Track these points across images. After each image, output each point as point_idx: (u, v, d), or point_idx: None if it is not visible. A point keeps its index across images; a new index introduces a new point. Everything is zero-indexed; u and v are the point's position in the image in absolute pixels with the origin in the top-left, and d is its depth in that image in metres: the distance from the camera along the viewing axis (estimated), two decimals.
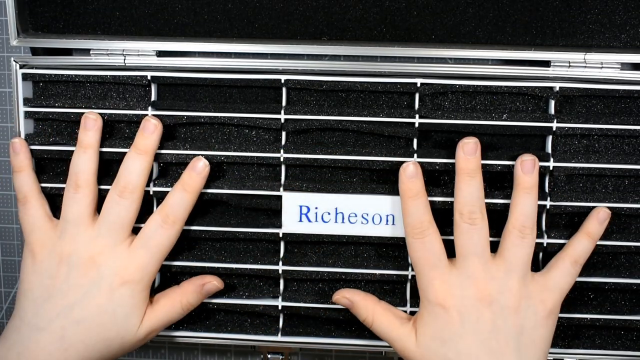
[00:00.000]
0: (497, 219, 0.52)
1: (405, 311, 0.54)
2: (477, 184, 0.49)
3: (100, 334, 0.49)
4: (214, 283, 0.53)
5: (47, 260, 0.50)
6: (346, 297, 0.52)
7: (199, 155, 0.53)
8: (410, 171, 0.50)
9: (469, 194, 0.49)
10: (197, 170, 0.52)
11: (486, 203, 0.53)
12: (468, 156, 0.49)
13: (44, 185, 0.54)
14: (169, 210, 0.51)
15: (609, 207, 0.52)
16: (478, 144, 0.49)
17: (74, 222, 0.51)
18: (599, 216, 0.51)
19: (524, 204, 0.49)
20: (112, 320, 0.49)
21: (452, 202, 0.53)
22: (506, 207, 0.52)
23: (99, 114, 0.54)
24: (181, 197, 0.51)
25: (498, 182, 0.54)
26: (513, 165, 0.52)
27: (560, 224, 0.54)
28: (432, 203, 0.53)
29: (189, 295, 0.52)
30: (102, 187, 0.53)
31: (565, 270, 0.50)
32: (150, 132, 0.52)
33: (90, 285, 0.49)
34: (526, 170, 0.49)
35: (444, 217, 0.54)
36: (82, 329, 0.49)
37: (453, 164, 0.53)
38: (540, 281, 0.49)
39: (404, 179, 0.50)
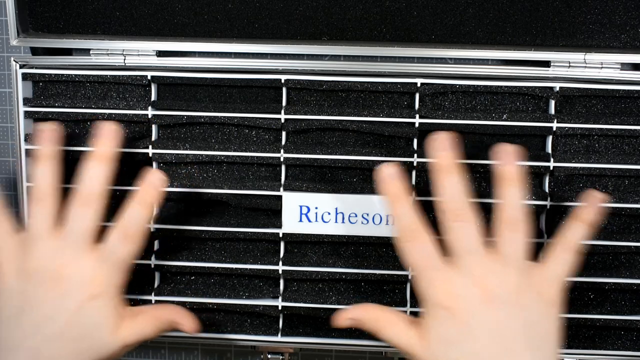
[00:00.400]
0: None
1: (405, 311, 0.54)
2: (456, 179, 0.47)
3: (74, 349, 0.48)
4: (188, 326, 0.51)
5: (14, 278, 0.49)
6: (348, 318, 0.50)
7: (194, 154, 0.53)
8: (388, 174, 0.48)
9: (450, 190, 0.47)
10: (153, 184, 0.50)
11: (488, 203, 0.53)
12: (442, 152, 0.48)
13: None
14: (127, 225, 0.50)
15: (608, 207, 0.52)
16: (450, 138, 0.48)
17: (38, 235, 0.49)
18: (592, 201, 0.49)
19: (509, 196, 0.47)
20: (84, 334, 0.48)
21: None
22: None
23: (99, 114, 0.54)
24: (138, 212, 0.50)
25: None
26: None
27: (560, 224, 0.54)
28: (432, 204, 0.53)
29: (162, 321, 0.51)
30: (108, 187, 0.54)
31: (561, 259, 0.48)
32: (106, 138, 0.51)
33: (59, 299, 0.48)
34: (504, 161, 0.48)
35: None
36: (55, 345, 0.47)
37: None
38: (539, 272, 0.48)
39: (384, 184, 0.48)
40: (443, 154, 0.47)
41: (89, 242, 0.50)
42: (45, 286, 0.48)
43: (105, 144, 0.51)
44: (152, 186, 0.50)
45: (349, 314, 0.50)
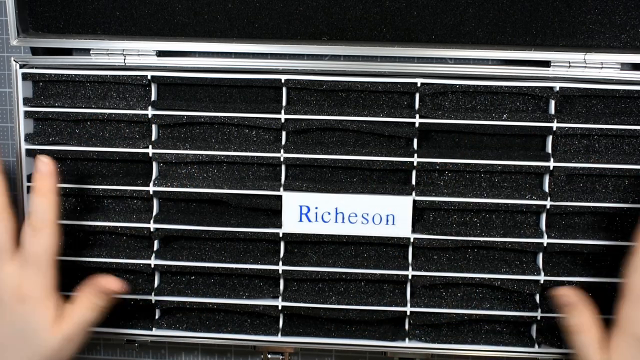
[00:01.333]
0: (505, 218, 0.52)
1: (405, 312, 0.54)
2: None
3: (18, 356, 0.49)
4: (109, 284, 0.51)
5: None
6: (568, 296, 0.50)
7: (194, 154, 0.53)
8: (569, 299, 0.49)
9: None
10: (41, 171, 0.50)
11: (489, 203, 0.53)
12: None
13: None
14: (33, 219, 0.50)
15: (608, 207, 0.52)
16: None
17: None
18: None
19: None
20: (24, 340, 0.49)
21: (451, 202, 0.53)
22: (509, 207, 0.52)
23: (99, 114, 0.54)
24: (40, 202, 0.50)
25: (499, 182, 0.54)
26: (515, 168, 0.52)
27: (560, 224, 0.54)
28: (433, 203, 0.53)
29: (92, 297, 0.51)
30: (108, 187, 0.54)
31: None
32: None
33: None
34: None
35: (443, 218, 0.55)
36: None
37: (453, 164, 0.53)
38: None
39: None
40: None
41: (9, 252, 0.50)
42: None
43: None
44: (41, 173, 0.50)
45: (572, 296, 0.50)
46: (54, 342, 0.50)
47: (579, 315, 0.49)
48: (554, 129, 0.52)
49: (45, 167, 0.50)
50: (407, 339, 0.55)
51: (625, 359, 0.47)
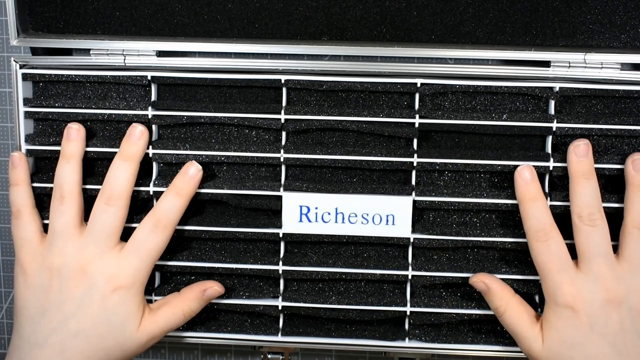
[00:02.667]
0: (505, 218, 0.52)
1: (405, 312, 0.54)
2: (593, 185, 0.49)
3: (99, 344, 0.49)
4: (214, 288, 0.53)
5: (38, 275, 0.50)
6: (484, 282, 0.51)
7: (194, 154, 0.53)
8: (527, 175, 0.50)
9: (587, 195, 0.49)
10: (190, 174, 0.52)
11: (489, 203, 0.53)
12: (581, 158, 0.49)
13: (43, 185, 0.54)
14: (160, 215, 0.51)
15: (608, 207, 0.52)
16: (589, 145, 0.50)
17: (62, 233, 0.50)
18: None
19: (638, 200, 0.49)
20: (109, 329, 0.49)
21: (451, 202, 0.53)
22: (509, 207, 0.52)
23: (99, 114, 0.54)
24: (173, 201, 0.51)
25: (499, 182, 0.54)
26: (515, 168, 0.52)
27: (560, 224, 0.54)
28: (433, 203, 0.53)
29: (190, 302, 0.52)
30: None
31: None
32: (136, 138, 0.52)
33: (83, 296, 0.49)
34: (638, 168, 0.49)
35: (443, 218, 0.55)
36: (80, 341, 0.48)
37: (453, 164, 0.53)
38: None
39: (522, 183, 0.50)
40: (583, 160, 0.49)
41: (113, 240, 0.51)
42: (69, 284, 0.49)
43: (134, 144, 0.51)
44: (190, 177, 0.52)
45: (486, 279, 0.52)
46: (138, 339, 0.50)
47: (498, 297, 0.51)
48: (554, 129, 0.52)
49: (194, 169, 0.52)
50: (407, 339, 0.55)
51: (555, 327, 0.48)
